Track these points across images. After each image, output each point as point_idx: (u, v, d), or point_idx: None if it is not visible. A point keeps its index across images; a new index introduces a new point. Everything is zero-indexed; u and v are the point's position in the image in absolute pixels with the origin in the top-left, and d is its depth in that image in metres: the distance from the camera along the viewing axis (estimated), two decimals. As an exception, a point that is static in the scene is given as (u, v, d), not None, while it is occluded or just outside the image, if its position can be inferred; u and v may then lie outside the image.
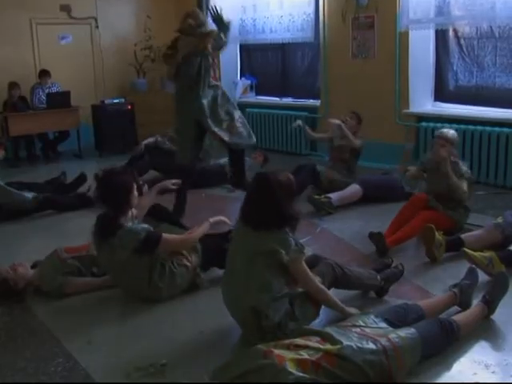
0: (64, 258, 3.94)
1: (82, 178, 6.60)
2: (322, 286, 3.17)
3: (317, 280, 3.16)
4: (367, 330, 2.75)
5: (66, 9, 9.45)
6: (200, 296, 3.82)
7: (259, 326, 3.03)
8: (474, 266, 3.66)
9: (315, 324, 3.16)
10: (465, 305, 3.33)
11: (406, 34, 6.88)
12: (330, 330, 2.75)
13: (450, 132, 4.71)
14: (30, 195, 5.82)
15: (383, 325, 2.84)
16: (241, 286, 3.08)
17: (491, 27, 6.38)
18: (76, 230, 5.03)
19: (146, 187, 6.38)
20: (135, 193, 3.73)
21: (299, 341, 2.62)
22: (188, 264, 3.78)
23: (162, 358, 3.03)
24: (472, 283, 3.45)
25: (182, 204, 5.40)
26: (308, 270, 3.12)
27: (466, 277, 3.51)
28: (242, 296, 3.07)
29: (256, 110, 8.97)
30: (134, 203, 3.74)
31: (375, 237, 4.40)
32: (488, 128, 6.23)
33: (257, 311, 3.00)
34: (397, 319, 2.92)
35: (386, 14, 7.01)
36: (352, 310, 3.21)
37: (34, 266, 4.02)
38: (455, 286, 3.41)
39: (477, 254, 3.84)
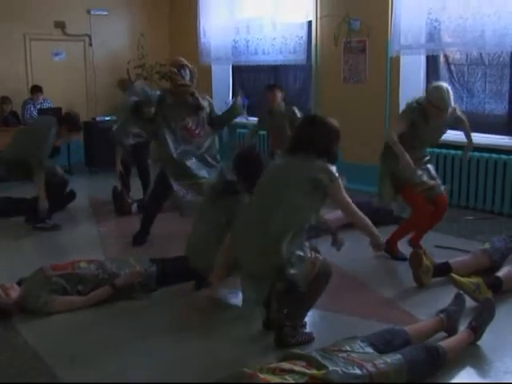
0: (49, 276, 3.91)
1: (70, 195, 6.58)
2: (360, 213, 3.38)
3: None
4: (353, 354, 2.74)
5: (60, 25, 9.50)
6: (192, 317, 3.80)
7: (268, 258, 3.16)
8: (460, 291, 3.67)
9: (302, 348, 3.15)
10: (451, 330, 3.32)
11: (398, 58, 6.95)
12: (315, 354, 2.73)
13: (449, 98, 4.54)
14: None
15: (369, 350, 2.83)
16: (267, 212, 3.24)
17: (481, 54, 6.47)
18: (61, 248, 5.03)
19: (135, 206, 6.46)
20: None
21: (285, 365, 2.61)
22: None
23: (146, 375, 3.00)
24: (459, 309, 3.45)
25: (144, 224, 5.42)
26: (347, 197, 3.33)
27: (452, 302, 3.50)
28: (268, 220, 3.19)
29: (247, 131, 8.99)
30: None
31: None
32: (477, 153, 6.27)
33: (276, 239, 3.14)
34: (383, 344, 2.92)
35: (378, 38, 7.09)
36: (381, 239, 3.50)
37: (19, 283, 3.98)
38: (442, 311, 3.40)
39: (464, 279, 3.84)
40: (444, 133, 4.85)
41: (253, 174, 3.72)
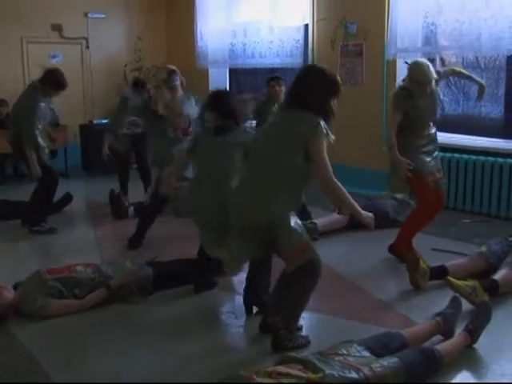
0: (46, 279, 3.90)
1: (67, 198, 6.57)
2: (339, 184, 3.23)
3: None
4: (350, 358, 2.74)
5: (57, 28, 9.49)
6: (189, 321, 3.80)
7: (265, 210, 3.18)
8: (457, 294, 3.67)
9: (299, 351, 3.15)
10: (448, 333, 3.32)
11: (394, 62, 6.97)
12: (312, 357, 2.74)
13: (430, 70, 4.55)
14: None
15: (366, 353, 2.83)
16: (262, 165, 3.28)
17: (477, 58, 6.49)
18: (57, 251, 5.02)
19: (131, 209, 6.45)
20: None
21: (281, 368, 2.60)
22: None
23: (143, 378, 3.00)
24: (455, 312, 3.45)
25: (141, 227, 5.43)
26: (327, 158, 3.19)
27: (449, 305, 3.51)
28: (263, 172, 3.25)
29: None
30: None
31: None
32: (473, 156, 6.30)
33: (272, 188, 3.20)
34: (380, 348, 2.92)
35: (375, 42, 7.11)
36: (369, 214, 3.34)
37: (15, 287, 3.97)
38: (439, 314, 3.41)
39: (460, 282, 3.84)
40: (439, 106, 4.82)
41: (230, 108, 3.88)
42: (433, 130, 4.76)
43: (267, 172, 3.27)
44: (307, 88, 3.28)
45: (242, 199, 3.34)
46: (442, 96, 6.60)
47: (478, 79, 5.03)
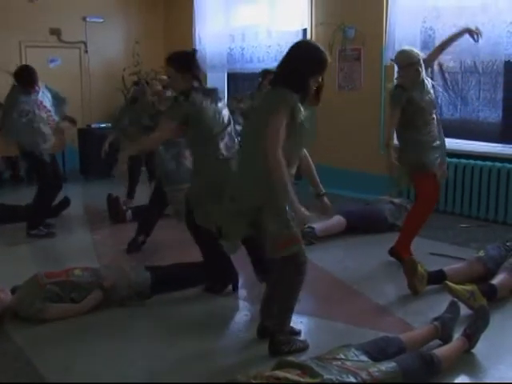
0: (43, 283, 3.89)
1: (65, 203, 6.56)
2: (284, 170, 3.02)
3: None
4: (348, 363, 2.74)
5: (55, 32, 9.50)
6: (186, 325, 3.80)
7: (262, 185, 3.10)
8: (455, 299, 3.67)
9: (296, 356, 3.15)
10: (446, 338, 3.32)
11: (392, 66, 6.95)
12: (310, 362, 2.73)
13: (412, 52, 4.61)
14: None
15: (364, 358, 2.82)
16: (248, 147, 3.28)
17: (475, 62, 6.50)
18: (55, 255, 5.01)
19: (129, 213, 6.45)
20: None
21: (279, 373, 2.60)
22: None
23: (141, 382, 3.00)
24: (454, 317, 3.44)
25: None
26: (279, 135, 3.00)
27: (447, 310, 3.50)
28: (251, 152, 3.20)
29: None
30: None
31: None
32: (471, 161, 6.30)
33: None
34: (378, 352, 2.91)
35: (373, 47, 7.12)
36: (305, 212, 3.09)
37: (13, 291, 3.96)
38: (437, 319, 3.40)
39: (458, 287, 3.84)
40: (434, 96, 4.81)
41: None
42: (436, 125, 4.72)
43: (249, 155, 3.26)
44: (291, 65, 3.18)
45: (236, 181, 3.36)
46: (439, 101, 6.64)
47: (460, 31, 4.98)
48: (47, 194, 5.90)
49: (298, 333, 3.48)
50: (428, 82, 4.67)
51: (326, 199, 3.56)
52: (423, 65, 4.58)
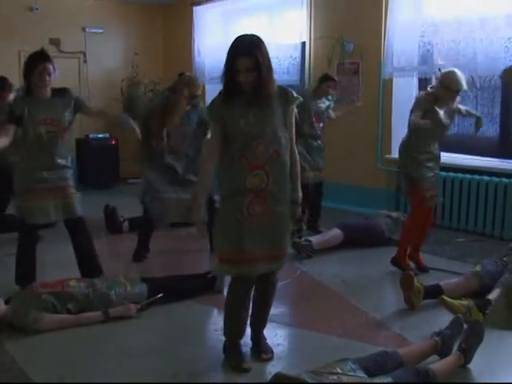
0: (39, 293, 3.87)
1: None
2: (208, 158, 3.08)
3: None
4: (344, 377, 2.72)
5: (55, 42, 9.51)
6: (176, 335, 3.78)
7: None
8: (459, 315, 3.58)
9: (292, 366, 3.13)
10: (445, 354, 3.28)
11: (390, 80, 7.01)
12: (305, 376, 2.71)
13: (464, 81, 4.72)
14: None
15: (361, 373, 2.80)
16: None
17: (472, 77, 6.52)
18: (50, 266, 4.98)
19: (126, 224, 6.43)
20: None
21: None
22: None
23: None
24: (455, 333, 3.38)
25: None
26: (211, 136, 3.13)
27: (449, 326, 3.44)
28: None
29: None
30: None
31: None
32: (468, 176, 6.31)
33: None
34: (375, 368, 2.88)
35: (371, 60, 7.15)
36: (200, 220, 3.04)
37: (7, 301, 3.94)
38: (438, 334, 3.36)
39: (455, 301, 3.84)
40: (450, 128, 4.95)
41: None
42: (437, 149, 4.84)
43: None
44: None
45: None
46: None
47: (474, 111, 5.18)
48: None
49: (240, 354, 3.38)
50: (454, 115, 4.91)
51: (298, 209, 3.29)
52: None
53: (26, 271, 4.46)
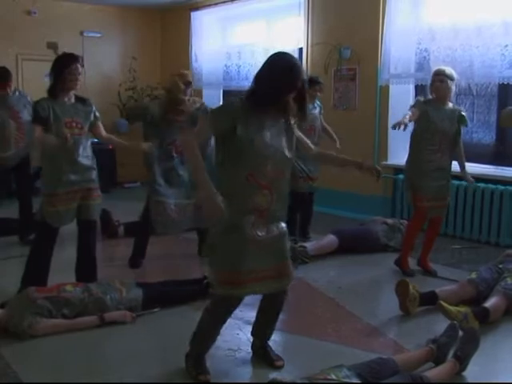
0: (34, 298, 3.86)
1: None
2: (194, 145, 2.94)
3: None
4: (338, 385, 2.72)
5: (52, 46, 9.50)
6: (172, 341, 3.77)
7: None
8: (455, 322, 3.58)
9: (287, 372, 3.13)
10: (440, 361, 3.28)
11: (387, 87, 7.03)
12: (300, 382, 2.71)
13: (447, 68, 4.95)
14: None
15: (356, 380, 2.80)
16: None
17: (469, 85, 6.54)
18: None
19: (121, 228, 6.42)
20: None
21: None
22: None
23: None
24: (450, 341, 3.37)
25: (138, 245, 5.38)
26: (201, 128, 3.10)
27: (445, 333, 3.43)
28: None
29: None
30: None
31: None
32: (464, 183, 6.31)
33: None
34: (370, 375, 2.88)
35: (368, 67, 7.17)
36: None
37: (2, 306, 3.93)
38: (433, 341, 3.36)
39: (452, 308, 3.83)
40: (453, 125, 4.96)
41: None
42: (440, 159, 4.90)
43: None
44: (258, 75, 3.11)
45: None
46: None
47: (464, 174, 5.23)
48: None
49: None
50: (456, 114, 5.01)
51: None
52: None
53: (39, 273, 4.45)
